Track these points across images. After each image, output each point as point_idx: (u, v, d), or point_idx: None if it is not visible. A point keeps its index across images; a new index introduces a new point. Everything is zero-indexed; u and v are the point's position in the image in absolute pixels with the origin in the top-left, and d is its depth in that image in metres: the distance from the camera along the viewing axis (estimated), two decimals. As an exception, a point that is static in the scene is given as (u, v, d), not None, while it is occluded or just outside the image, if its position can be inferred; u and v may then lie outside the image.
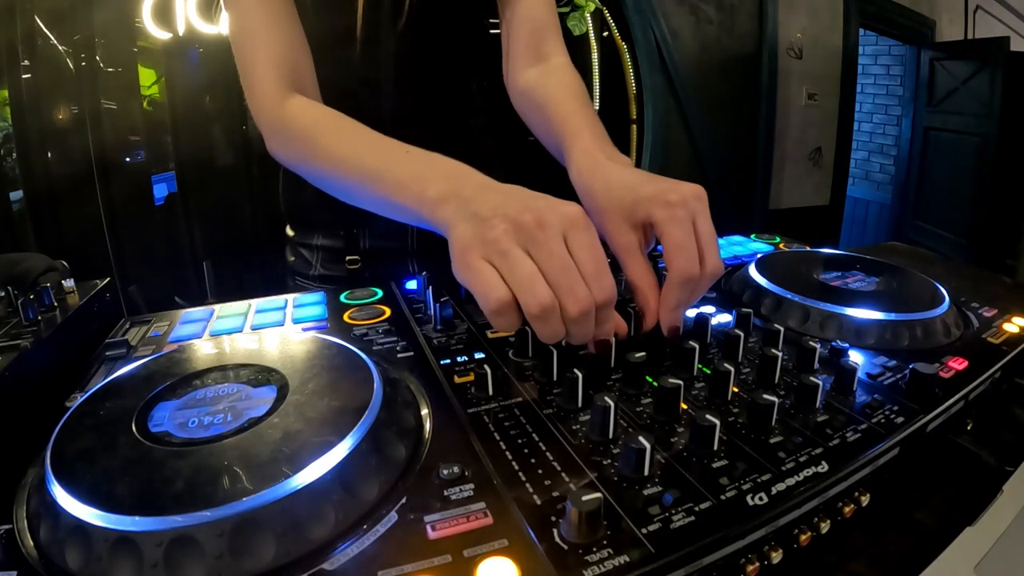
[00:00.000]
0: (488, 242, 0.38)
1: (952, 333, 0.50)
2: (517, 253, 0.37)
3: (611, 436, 0.34)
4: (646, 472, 0.31)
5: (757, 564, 0.30)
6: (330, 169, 0.54)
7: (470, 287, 0.39)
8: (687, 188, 0.45)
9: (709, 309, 0.54)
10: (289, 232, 0.84)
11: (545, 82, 0.67)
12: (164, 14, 1.97)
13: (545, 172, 0.68)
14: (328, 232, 0.79)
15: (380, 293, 0.60)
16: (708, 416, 0.33)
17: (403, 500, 0.30)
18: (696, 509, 0.29)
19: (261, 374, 0.39)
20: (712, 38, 2.73)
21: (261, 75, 0.58)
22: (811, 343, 0.43)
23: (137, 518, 0.26)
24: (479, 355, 0.46)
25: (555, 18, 0.72)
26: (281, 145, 0.59)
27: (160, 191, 2.14)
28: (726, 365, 0.39)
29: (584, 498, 0.27)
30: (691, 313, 0.49)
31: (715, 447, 0.33)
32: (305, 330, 0.51)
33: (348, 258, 0.78)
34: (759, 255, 0.65)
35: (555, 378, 0.41)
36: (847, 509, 0.34)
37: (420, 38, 0.70)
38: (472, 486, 0.31)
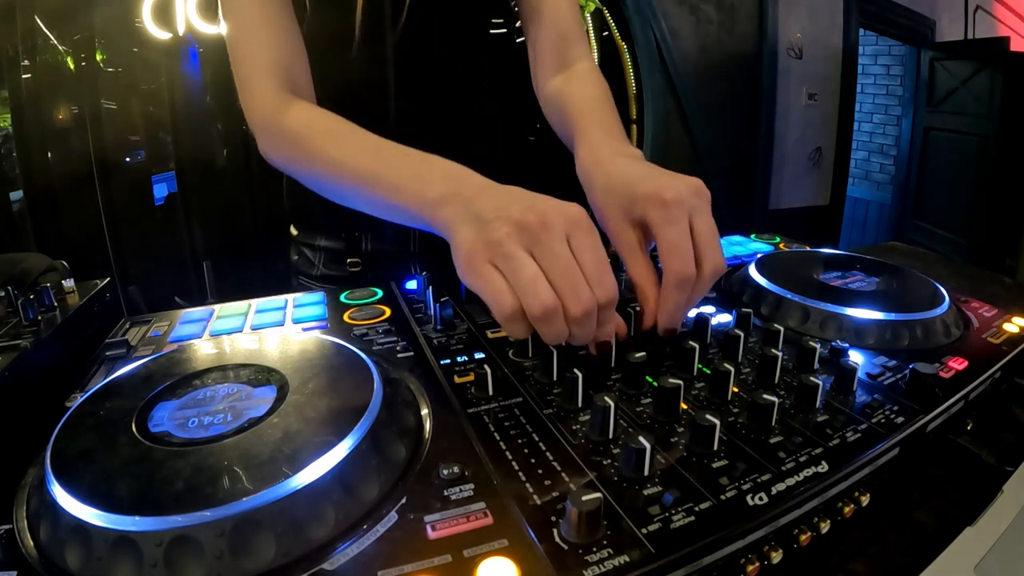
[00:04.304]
0: (492, 244, 0.38)
1: (952, 333, 0.50)
2: (520, 255, 0.37)
3: (611, 436, 0.34)
4: (646, 472, 0.31)
5: (757, 564, 0.30)
6: (326, 172, 0.53)
7: (480, 294, 0.39)
8: (683, 184, 0.44)
9: (709, 309, 0.54)
10: (293, 231, 0.84)
11: (568, 88, 0.66)
12: (164, 14, 1.97)
13: (548, 173, 0.68)
14: (330, 234, 0.79)
15: (380, 293, 0.60)
16: (708, 416, 0.33)
17: (403, 500, 0.30)
18: (696, 509, 0.29)
19: (261, 374, 0.39)
20: (712, 38, 2.72)
21: (256, 77, 0.58)
22: (811, 343, 0.43)
23: (137, 518, 0.26)
24: (479, 355, 0.46)
25: (580, 24, 0.72)
26: (274, 148, 0.58)
27: (160, 191, 2.14)
28: (726, 365, 0.39)
29: (584, 498, 0.27)
30: (691, 313, 0.49)
31: (715, 447, 0.33)
32: (305, 330, 0.51)
33: (349, 260, 0.78)
34: (759, 255, 0.65)
35: (555, 378, 0.41)
36: (847, 509, 0.34)
37: (421, 37, 0.70)
38: (472, 486, 0.31)
